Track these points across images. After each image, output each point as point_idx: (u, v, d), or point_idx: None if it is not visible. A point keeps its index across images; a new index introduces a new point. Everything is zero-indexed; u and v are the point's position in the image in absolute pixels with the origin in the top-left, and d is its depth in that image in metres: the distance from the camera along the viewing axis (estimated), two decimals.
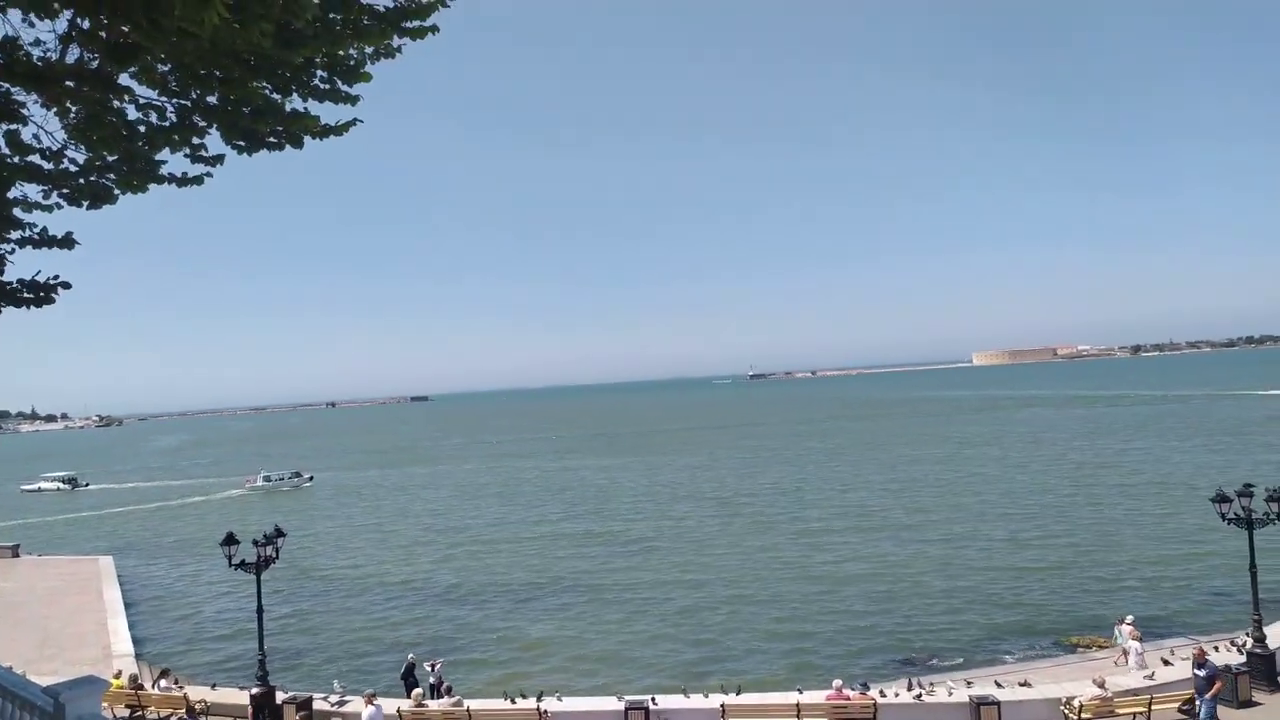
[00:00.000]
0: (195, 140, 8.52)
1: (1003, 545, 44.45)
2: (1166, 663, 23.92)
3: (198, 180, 8.99)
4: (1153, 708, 19.95)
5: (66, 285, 9.38)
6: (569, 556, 48.40)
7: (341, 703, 23.45)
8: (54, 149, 8.58)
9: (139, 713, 23.61)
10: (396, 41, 8.04)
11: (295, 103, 8.36)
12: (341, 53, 8.04)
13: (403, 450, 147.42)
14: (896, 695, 21.91)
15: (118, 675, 24.93)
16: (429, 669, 25.89)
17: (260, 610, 23.94)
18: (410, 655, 27.13)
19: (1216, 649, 24.12)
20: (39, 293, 9.30)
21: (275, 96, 8.17)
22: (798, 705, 20.78)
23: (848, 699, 21.08)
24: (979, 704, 20.26)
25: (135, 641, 32.58)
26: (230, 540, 23.03)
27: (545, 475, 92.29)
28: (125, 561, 51.61)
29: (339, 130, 8.69)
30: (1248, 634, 23.13)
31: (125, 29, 6.91)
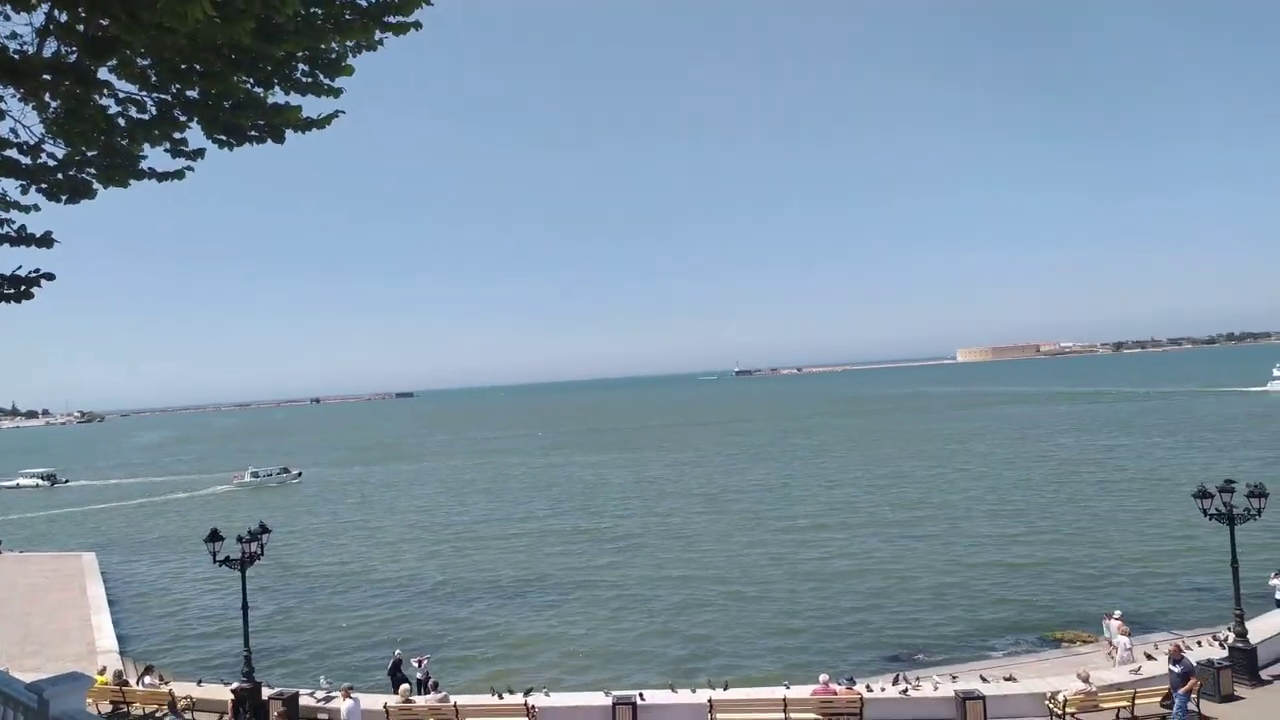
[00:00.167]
0: (176, 134, 8.44)
1: (988, 541, 44.70)
2: (1150, 657, 24.10)
3: (178, 175, 8.89)
4: (1136, 702, 20.12)
5: (50, 276, 9.18)
6: (556, 553, 48.37)
7: (328, 698, 23.33)
8: (32, 143, 8.47)
9: (123, 709, 23.45)
10: (379, 35, 7.96)
11: (277, 96, 8.28)
12: (323, 46, 7.96)
13: (388, 446, 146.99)
14: (883, 690, 21.99)
15: (102, 671, 24.74)
16: (416, 665, 25.84)
17: (245, 606, 23.78)
18: (397, 651, 27.03)
19: (1199, 644, 24.35)
20: (19, 287, 9.17)
21: (257, 90, 8.08)
22: (785, 700, 20.82)
23: (834, 693, 21.13)
24: (965, 698, 20.36)
25: (119, 638, 32.29)
26: (215, 536, 22.87)
27: (532, 471, 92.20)
28: (109, 558, 51.21)
29: (321, 123, 8.62)
30: (1229, 629, 23.32)
31: (104, 23, 6.82)
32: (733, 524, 53.67)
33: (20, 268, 9.08)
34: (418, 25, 7.87)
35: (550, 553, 48.44)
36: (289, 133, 8.62)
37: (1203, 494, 22.92)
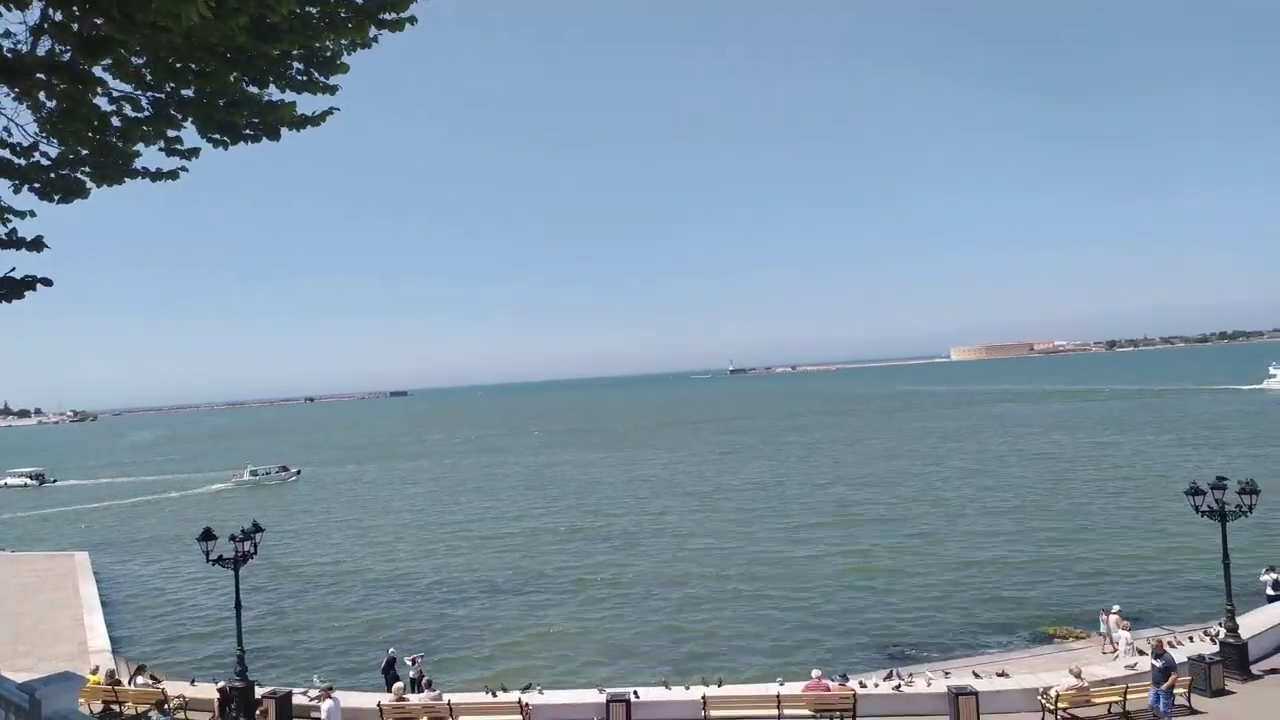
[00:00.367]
0: (170, 133, 8.42)
1: (981, 538, 44.89)
2: (1142, 653, 24.24)
3: (173, 174, 8.88)
4: (1128, 697, 20.24)
5: (47, 282, 9.08)
6: (551, 551, 48.39)
7: (320, 698, 23.31)
8: (25, 144, 8.46)
9: (116, 709, 23.39)
10: (374, 32, 7.97)
11: (272, 94, 8.28)
12: (318, 44, 7.96)
13: (382, 445, 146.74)
14: (876, 686, 22.09)
15: (94, 671, 24.67)
16: (410, 663, 25.86)
17: (239, 605, 23.77)
18: (391, 650, 27.06)
19: (1191, 639, 24.53)
20: (10, 288, 9.13)
21: (251, 89, 8.08)
22: (778, 696, 20.88)
23: (827, 689, 21.21)
24: (957, 694, 20.44)
25: (112, 638, 32.16)
26: (208, 535, 22.82)
27: (526, 470, 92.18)
28: (101, 557, 51.00)
29: (316, 120, 8.62)
30: (1221, 624, 23.50)
31: (98, 22, 6.82)
32: (726, 522, 53.75)
33: (14, 270, 9.04)
34: (413, 20, 7.86)
35: (544, 551, 48.45)
36: (284, 130, 8.62)
37: (1195, 491, 23.07)
